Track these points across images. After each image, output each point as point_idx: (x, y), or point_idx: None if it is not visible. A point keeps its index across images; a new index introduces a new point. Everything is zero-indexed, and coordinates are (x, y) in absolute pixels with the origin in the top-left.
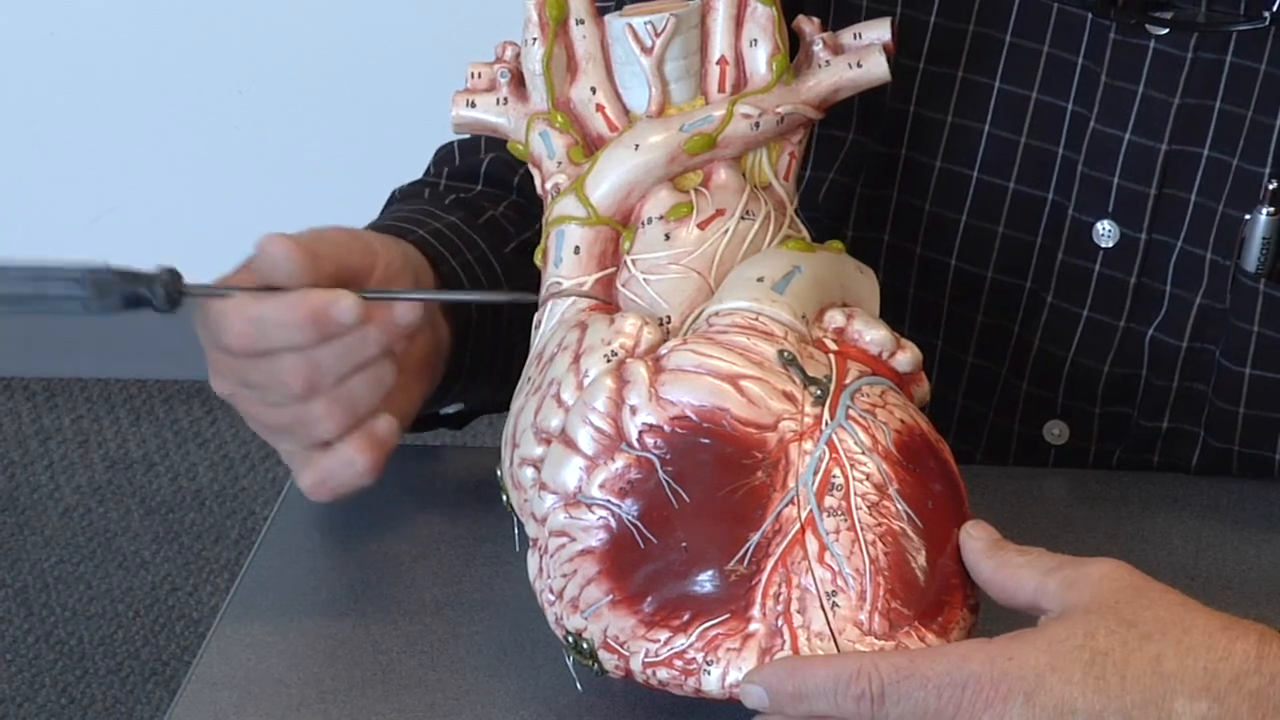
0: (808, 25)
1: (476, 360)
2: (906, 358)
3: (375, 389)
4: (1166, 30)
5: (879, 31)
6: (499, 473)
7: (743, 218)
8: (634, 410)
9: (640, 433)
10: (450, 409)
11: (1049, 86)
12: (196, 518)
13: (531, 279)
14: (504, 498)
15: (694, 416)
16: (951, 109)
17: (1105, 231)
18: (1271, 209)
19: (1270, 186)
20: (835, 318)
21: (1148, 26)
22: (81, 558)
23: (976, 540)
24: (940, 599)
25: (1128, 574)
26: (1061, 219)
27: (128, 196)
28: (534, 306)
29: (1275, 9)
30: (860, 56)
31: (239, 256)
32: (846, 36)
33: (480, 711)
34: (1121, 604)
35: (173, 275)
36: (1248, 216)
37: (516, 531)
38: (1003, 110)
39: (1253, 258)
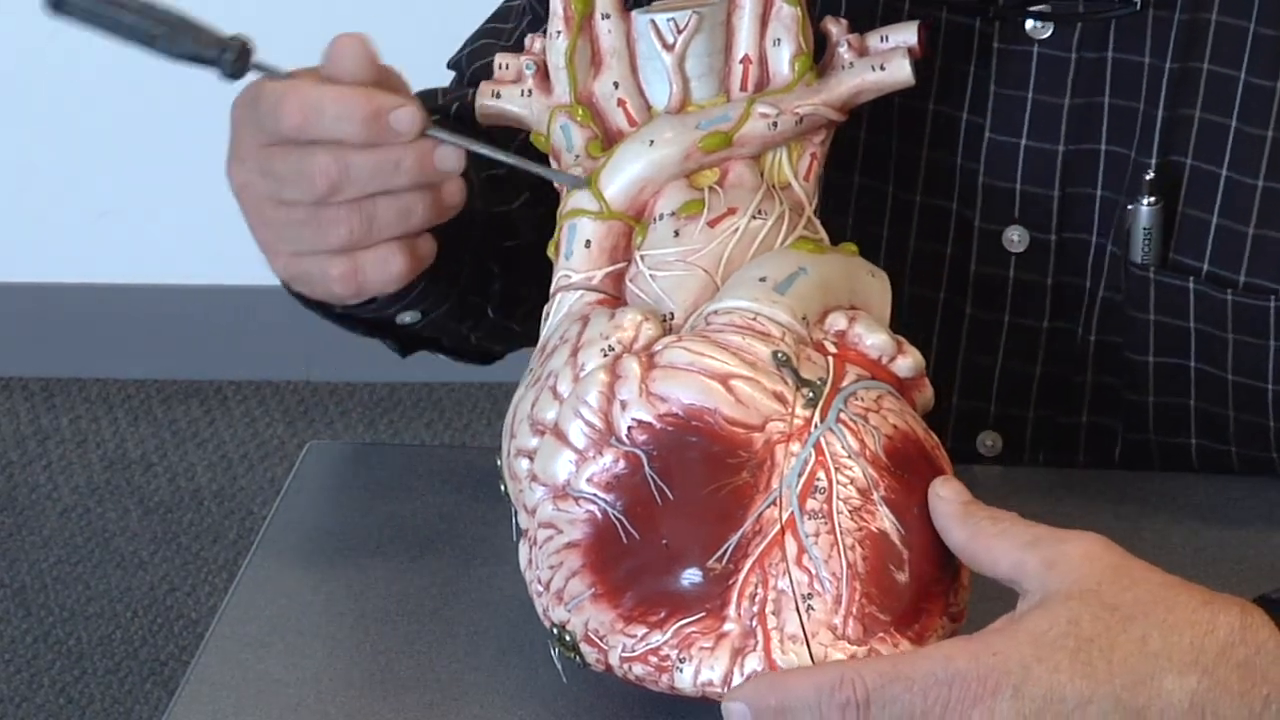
0: (834, 26)
1: (443, 260)
2: (908, 363)
3: (400, 218)
4: (1049, 34)
5: (905, 35)
6: (499, 462)
7: (754, 217)
8: (624, 405)
9: (630, 428)
10: (406, 317)
11: (944, 98)
12: (195, 518)
13: (492, 208)
14: (502, 487)
15: (683, 414)
16: (864, 125)
17: (1015, 238)
18: (1152, 199)
19: (1147, 177)
20: (837, 320)
21: (1029, 31)
22: (80, 558)
23: (946, 502)
24: (919, 606)
25: (1107, 551)
26: (968, 229)
27: (128, 196)
28: (505, 229)
29: None
30: (884, 59)
31: (240, 256)
32: (873, 39)
33: (479, 711)
34: (1103, 586)
35: (245, 46)
36: (1130, 207)
37: (514, 521)
38: (905, 123)
39: (1138, 248)
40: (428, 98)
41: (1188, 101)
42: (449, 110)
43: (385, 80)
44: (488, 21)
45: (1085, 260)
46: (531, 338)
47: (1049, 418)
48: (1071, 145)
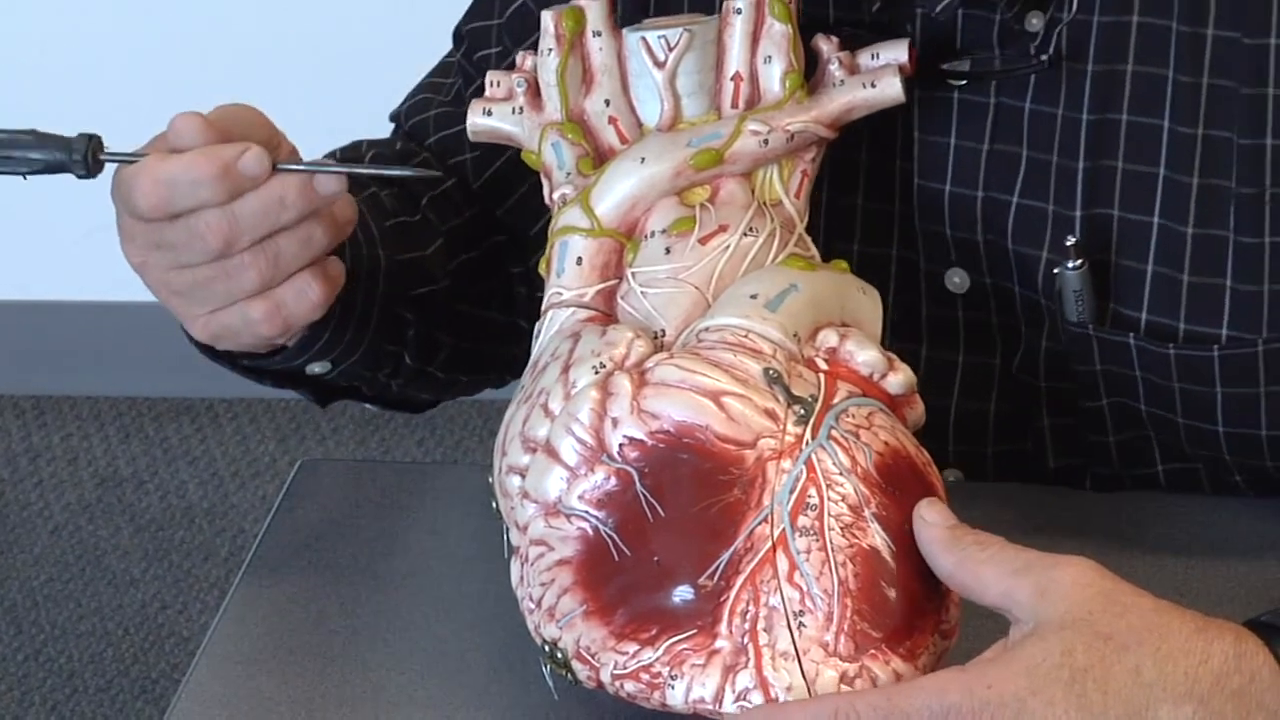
0: (825, 44)
1: (347, 310)
2: (899, 379)
3: (303, 248)
4: (965, 81)
5: (896, 52)
6: (490, 479)
7: (745, 234)
8: (616, 422)
9: (621, 445)
10: (316, 368)
11: (876, 147)
12: (186, 535)
13: (401, 255)
14: (493, 504)
15: (674, 431)
16: None
17: (957, 280)
18: (1077, 262)
19: (1069, 241)
20: (829, 337)
21: (949, 80)
22: (71, 575)
23: (931, 527)
24: (910, 623)
25: (1098, 577)
26: (914, 273)
27: None
28: (417, 276)
29: (1050, 52)
30: (875, 77)
31: None
32: (864, 57)
33: None
34: (1095, 614)
35: (93, 140)
36: (1056, 270)
37: (506, 538)
38: (837, 174)
39: (1071, 309)
40: (352, 148)
41: (1109, 153)
42: (364, 158)
43: (230, 131)
44: (428, 77)
45: (1014, 306)
46: (458, 385)
47: (1009, 452)
48: (988, 193)
